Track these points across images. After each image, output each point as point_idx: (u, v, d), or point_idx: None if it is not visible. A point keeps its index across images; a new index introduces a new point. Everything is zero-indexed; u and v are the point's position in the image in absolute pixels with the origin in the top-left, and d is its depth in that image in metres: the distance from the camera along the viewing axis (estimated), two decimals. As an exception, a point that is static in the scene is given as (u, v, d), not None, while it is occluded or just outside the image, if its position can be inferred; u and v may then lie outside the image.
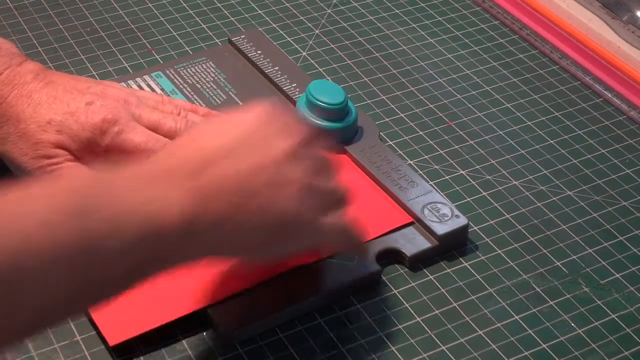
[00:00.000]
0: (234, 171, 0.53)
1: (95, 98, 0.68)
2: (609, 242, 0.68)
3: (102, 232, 0.47)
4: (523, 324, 0.62)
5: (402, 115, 0.79)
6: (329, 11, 0.91)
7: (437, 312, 0.63)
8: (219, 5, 0.91)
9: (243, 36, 0.84)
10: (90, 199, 0.48)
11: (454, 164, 0.74)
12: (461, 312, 0.63)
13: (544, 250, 0.67)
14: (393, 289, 0.64)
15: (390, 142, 0.76)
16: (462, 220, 0.67)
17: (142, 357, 0.60)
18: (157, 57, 0.84)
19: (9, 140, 0.67)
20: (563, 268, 0.66)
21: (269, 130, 0.56)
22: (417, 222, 0.67)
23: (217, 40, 0.86)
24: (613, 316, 0.63)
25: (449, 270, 0.66)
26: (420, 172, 0.73)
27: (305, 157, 0.56)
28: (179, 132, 0.68)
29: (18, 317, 0.45)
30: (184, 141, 0.56)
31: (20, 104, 0.67)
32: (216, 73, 0.81)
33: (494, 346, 0.61)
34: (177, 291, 0.62)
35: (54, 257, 0.45)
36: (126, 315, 0.60)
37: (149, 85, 0.78)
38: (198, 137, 0.56)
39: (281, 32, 0.88)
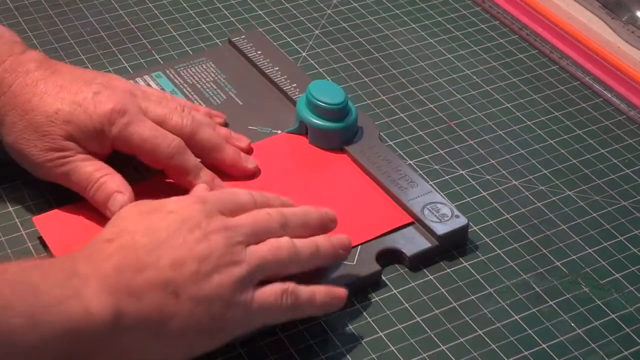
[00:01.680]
0: (156, 268, 0.53)
1: (102, 88, 0.66)
2: (609, 242, 0.68)
3: (18, 326, 0.48)
4: (523, 324, 0.62)
5: (402, 115, 0.79)
6: (329, 12, 0.91)
7: (437, 312, 0.63)
8: (219, 5, 0.91)
9: (243, 37, 0.84)
10: (7, 290, 0.48)
11: (454, 164, 0.74)
12: (461, 312, 0.63)
13: (544, 250, 0.67)
14: (393, 289, 0.64)
15: (390, 142, 0.76)
16: (462, 220, 0.67)
17: (142, 357, 0.60)
18: (157, 57, 0.84)
19: (15, 131, 0.65)
20: (563, 268, 0.66)
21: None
22: (417, 222, 0.67)
23: (217, 41, 0.86)
24: (613, 316, 0.63)
25: (449, 270, 0.66)
26: (420, 172, 0.73)
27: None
28: (185, 127, 0.68)
29: None
30: (108, 234, 0.56)
31: (25, 93, 0.65)
32: (216, 73, 0.81)
33: (494, 346, 0.61)
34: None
35: None
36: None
37: (149, 85, 0.78)
38: (123, 229, 0.56)
39: (281, 32, 0.88)
